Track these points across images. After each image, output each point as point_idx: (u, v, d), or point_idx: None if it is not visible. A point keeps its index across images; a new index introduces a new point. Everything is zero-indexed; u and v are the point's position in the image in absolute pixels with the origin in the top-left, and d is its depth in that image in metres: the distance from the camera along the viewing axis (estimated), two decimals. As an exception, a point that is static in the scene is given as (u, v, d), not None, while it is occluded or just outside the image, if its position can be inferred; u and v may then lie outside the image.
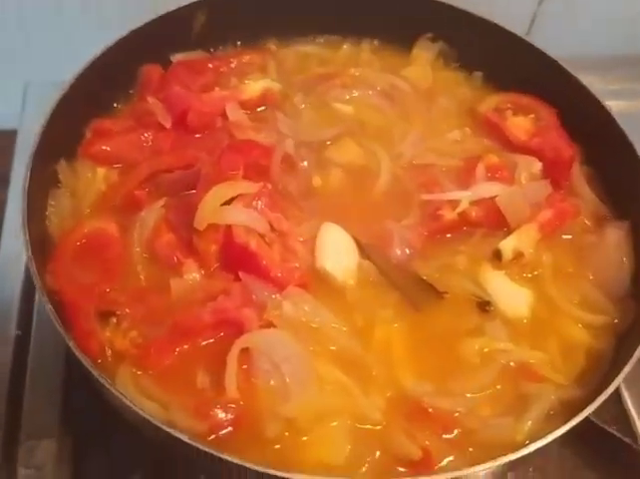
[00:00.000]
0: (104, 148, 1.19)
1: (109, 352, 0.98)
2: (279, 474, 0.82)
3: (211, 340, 1.00)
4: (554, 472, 1.13)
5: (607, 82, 1.54)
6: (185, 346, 0.99)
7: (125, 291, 1.03)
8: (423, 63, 1.38)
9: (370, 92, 1.33)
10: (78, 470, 1.10)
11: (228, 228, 1.06)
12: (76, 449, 1.11)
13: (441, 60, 1.40)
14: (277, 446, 0.92)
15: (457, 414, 0.96)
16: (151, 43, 1.28)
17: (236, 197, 1.09)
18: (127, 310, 1.01)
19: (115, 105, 1.29)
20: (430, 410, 0.95)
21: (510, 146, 1.26)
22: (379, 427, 0.95)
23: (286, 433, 0.93)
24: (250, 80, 1.31)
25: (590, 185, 1.22)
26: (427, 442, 0.93)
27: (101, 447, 1.11)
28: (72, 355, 0.93)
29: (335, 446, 0.93)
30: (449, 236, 1.15)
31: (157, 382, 0.96)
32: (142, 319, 1.01)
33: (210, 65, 1.34)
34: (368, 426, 0.95)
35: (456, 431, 0.95)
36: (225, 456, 0.82)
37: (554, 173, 1.21)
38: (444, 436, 0.94)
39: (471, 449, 0.94)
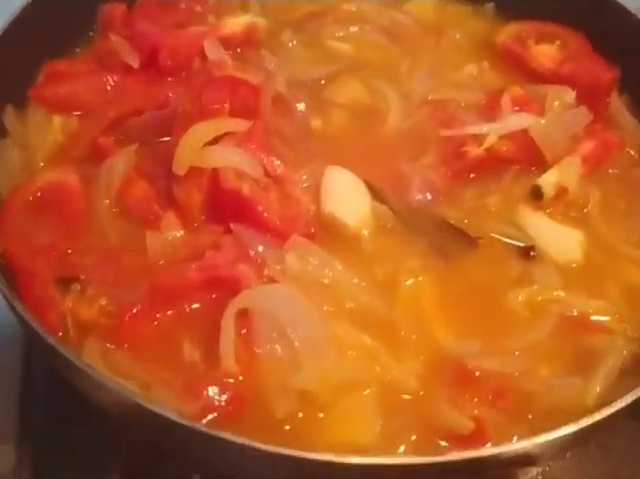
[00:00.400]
0: (60, 91, 1.01)
1: (71, 324, 0.79)
2: (299, 455, 0.63)
3: (198, 305, 0.83)
4: (622, 448, 0.94)
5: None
6: (168, 312, 0.83)
7: (90, 252, 0.87)
8: (426, -5, 1.23)
9: (369, 28, 1.18)
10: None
11: (214, 172, 0.90)
12: (37, 454, 0.91)
13: (446, -6, 1.25)
14: (288, 427, 0.76)
15: (510, 376, 0.78)
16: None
17: (222, 136, 0.92)
18: (93, 274, 0.84)
19: (76, 50, 1.11)
20: (477, 373, 0.77)
21: (536, 76, 1.11)
22: (415, 397, 0.77)
23: (299, 411, 0.75)
24: (230, 17, 1.13)
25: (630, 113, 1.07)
26: (476, 411, 0.75)
27: (68, 448, 0.91)
28: (28, 331, 0.76)
29: (363, 423, 0.75)
30: (473, 175, 0.99)
31: (133, 357, 0.79)
32: (112, 284, 0.84)
33: (183, 5, 1.17)
34: (402, 396, 0.77)
35: (511, 397, 0.76)
36: (228, 436, 0.63)
37: (591, 101, 1.05)
38: (496, 403, 0.76)
39: (530, 416, 0.76)
